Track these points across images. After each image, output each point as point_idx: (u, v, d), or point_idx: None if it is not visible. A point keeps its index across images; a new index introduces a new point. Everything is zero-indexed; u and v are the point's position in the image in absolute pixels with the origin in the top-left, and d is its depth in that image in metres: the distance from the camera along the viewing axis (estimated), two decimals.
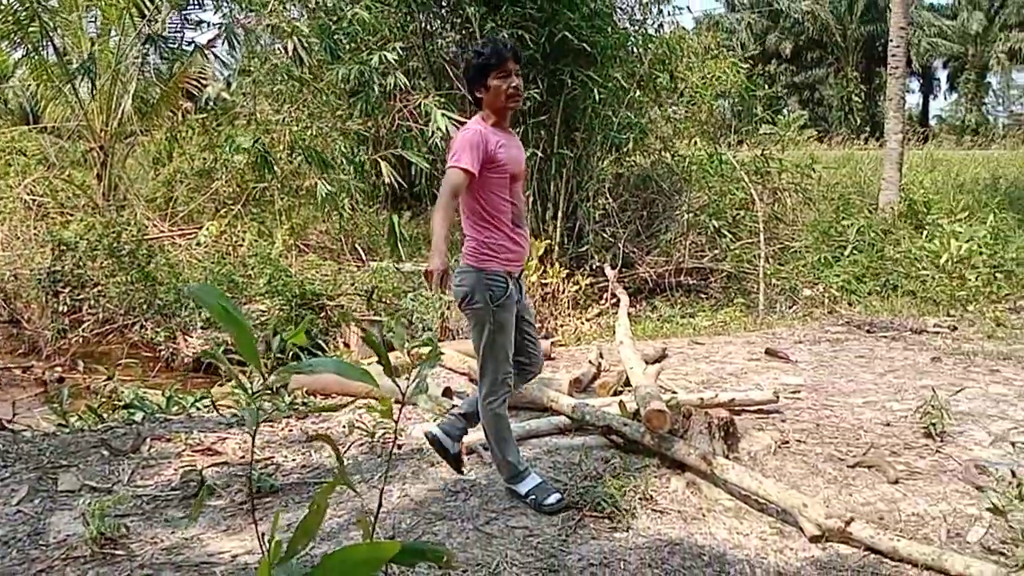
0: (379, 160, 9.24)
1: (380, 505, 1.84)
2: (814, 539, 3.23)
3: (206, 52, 13.11)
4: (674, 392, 4.95)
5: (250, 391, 1.49)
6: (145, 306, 8.82)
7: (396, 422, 1.77)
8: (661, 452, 3.92)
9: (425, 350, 1.73)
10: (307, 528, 1.38)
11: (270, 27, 10.56)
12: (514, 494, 3.59)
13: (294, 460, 4.15)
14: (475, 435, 4.23)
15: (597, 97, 9.28)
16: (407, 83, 9.05)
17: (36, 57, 12.06)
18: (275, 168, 10.17)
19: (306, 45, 9.22)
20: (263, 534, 1.60)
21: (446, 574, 2.92)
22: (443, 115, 8.52)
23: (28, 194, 11.42)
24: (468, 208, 3.47)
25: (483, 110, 3.53)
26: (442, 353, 1.80)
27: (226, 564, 3.04)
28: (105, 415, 5.03)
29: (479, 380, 3.61)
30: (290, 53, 9.28)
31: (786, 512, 3.42)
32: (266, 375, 1.44)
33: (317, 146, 9.71)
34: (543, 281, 8.47)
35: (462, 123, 8.53)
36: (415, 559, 1.47)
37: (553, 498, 3.49)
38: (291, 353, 5.21)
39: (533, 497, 3.50)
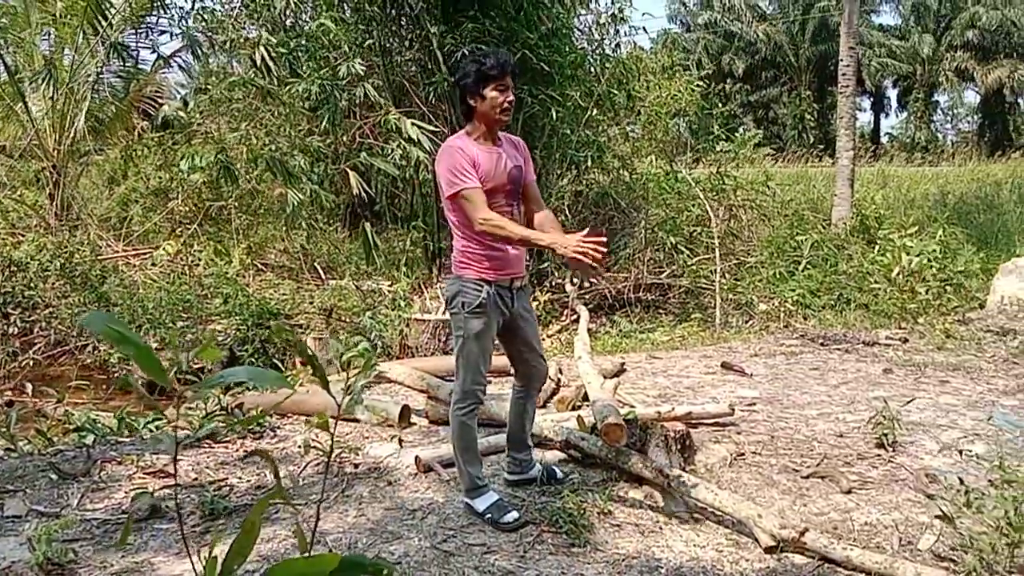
0: (347, 171, 9.15)
1: (318, 519, 1.82)
2: (769, 550, 3.26)
3: (170, 62, 12.94)
4: (632, 406, 4.98)
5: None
6: None
7: (332, 435, 1.76)
8: (618, 466, 3.94)
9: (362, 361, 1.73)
10: (240, 547, 1.36)
11: (228, 42, 10.48)
12: (471, 511, 3.58)
13: (248, 481, 4.09)
14: (432, 452, 4.22)
15: (555, 116, 9.35)
16: (375, 95, 9.02)
17: None
18: (237, 182, 10.05)
19: (273, 55, 9.12)
20: (213, 557, 1.58)
21: None
22: (413, 124, 8.49)
23: None
24: (450, 217, 3.49)
25: (472, 122, 3.49)
26: (376, 365, 1.79)
27: None
28: (55, 438, 4.90)
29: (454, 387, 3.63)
30: (257, 63, 9.15)
31: (742, 523, 3.45)
32: (180, 393, 1.42)
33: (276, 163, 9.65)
34: None
35: (433, 134, 8.55)
36: (355, 572, 1.45)
37: (510, 516, 3.48)
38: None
39: (490, 515, 3.49)
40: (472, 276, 3.45)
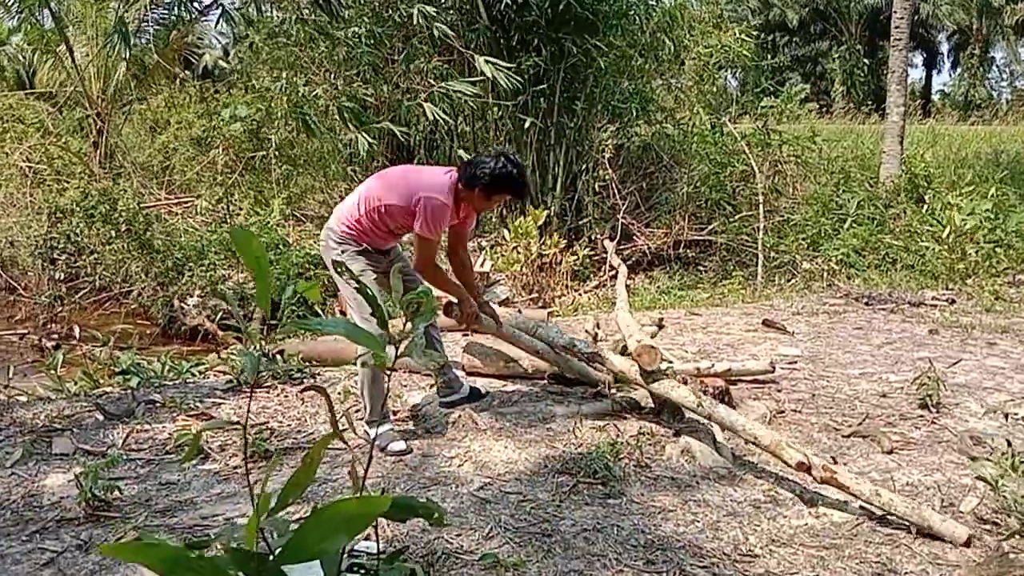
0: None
1: (371, 459, 1.83)
2: (799, 466, 3.21)
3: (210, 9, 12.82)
4: (670, 361, 4.93)
5: (252, 352, 1.48)
6: (142, 274, 8.80)
7: (388, 379, 1.75)
8: (647, 388, 3.92)
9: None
10: (298, 480, 1.36)
11: None
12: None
13: (289, 425, 4.14)
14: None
15: (602, 65, 9.17)
16: (446, 31, 8.76)
17: (33, 23, 11.94)
18: (315, 134, 9.96)
19: None
20: (256, 496, 1.60)
21: (438, 533, 2.93)
22: (487, 61, 8.27)
23: (24, 161, 11.35)
24: (379, 206, 3.79)
25: (462, 187, 3.80)
26: (437, 309, 1.78)
27: (219, 526, 3.04)
28: (101, 380, 5.01)
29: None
30: None
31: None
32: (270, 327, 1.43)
33: (318, 111, 9.59)
34: (541, 252, 8.44)
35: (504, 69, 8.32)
36: (406, 514, 1.46)
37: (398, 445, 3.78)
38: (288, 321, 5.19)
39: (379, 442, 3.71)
40: (353, 245, 3.85)
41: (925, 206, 9.83)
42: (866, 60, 38.33)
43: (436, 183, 3.78)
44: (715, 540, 2.99)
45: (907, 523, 3.06)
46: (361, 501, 1.25)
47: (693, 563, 2.82)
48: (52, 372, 4.88)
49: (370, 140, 8.83)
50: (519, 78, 8.63)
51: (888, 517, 3.14)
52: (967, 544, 2.93)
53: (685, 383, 4.05)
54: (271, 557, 1.34)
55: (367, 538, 2.65)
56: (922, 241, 8.99)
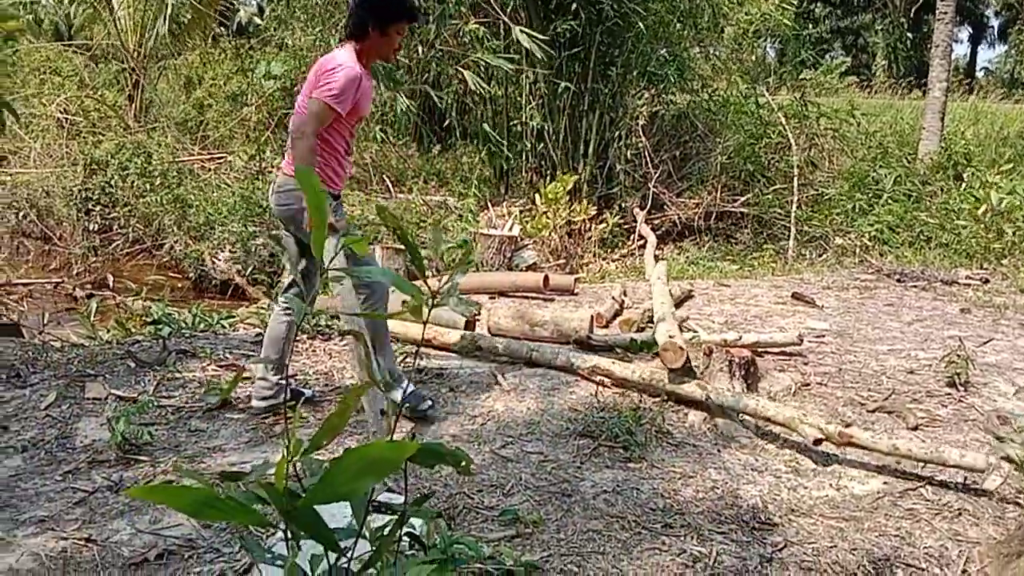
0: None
1: (400, 413, 1.85)
2: (817, 442, 3.30)
3: None
4: (695, 331, 4.93)
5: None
6: (175, 228, 8.90)
7: (424, 332, 1.76)
8: (651, 385, 3.93)
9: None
10: (332, 424, 1.39)
11: None
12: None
13: (316, 380, 4.20)
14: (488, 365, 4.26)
15: (642, 29, 9.04)
16: None
17: None
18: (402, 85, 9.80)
19: None
20: (298, 439, 1.63)
21: (462, 481, 2.98)
22: (522, 31, 8.07)
23: (61, 112, 11.47)
24: (331, 126, 3.42)
25: (359, 44, 3.44)
26: (472, 259, 1.78)
27: (247, 474, 3.10)
28: (133, 329, 5.10)
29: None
30: None
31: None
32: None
33: None
34: (571, 218, 8.41)
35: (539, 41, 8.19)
36: (433, 460, 1.48)
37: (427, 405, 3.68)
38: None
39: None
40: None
41: (963, 184, 9.65)
42: (910, 34, 37.39)
43: (339, 54, 3.44)
44: (734, 507, 3.01)
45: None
46: (390, 444, 1.28)
47: (711, 528, 2.84)
48: (86, 320, 4.97)
49: (408, 101, 8.76)
50: (554, 42, 8.52)
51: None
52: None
53: (710, 353, 4.06)
54: (301, 496, 1.37)
55: (389, 490, 2.70)
56: (958, 219, 8.84)
